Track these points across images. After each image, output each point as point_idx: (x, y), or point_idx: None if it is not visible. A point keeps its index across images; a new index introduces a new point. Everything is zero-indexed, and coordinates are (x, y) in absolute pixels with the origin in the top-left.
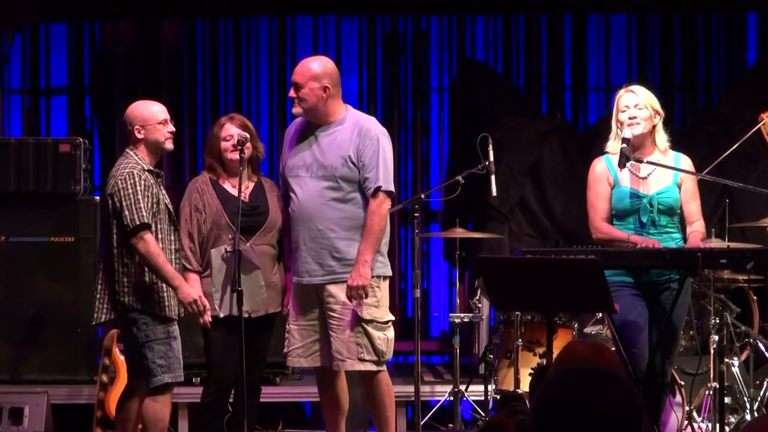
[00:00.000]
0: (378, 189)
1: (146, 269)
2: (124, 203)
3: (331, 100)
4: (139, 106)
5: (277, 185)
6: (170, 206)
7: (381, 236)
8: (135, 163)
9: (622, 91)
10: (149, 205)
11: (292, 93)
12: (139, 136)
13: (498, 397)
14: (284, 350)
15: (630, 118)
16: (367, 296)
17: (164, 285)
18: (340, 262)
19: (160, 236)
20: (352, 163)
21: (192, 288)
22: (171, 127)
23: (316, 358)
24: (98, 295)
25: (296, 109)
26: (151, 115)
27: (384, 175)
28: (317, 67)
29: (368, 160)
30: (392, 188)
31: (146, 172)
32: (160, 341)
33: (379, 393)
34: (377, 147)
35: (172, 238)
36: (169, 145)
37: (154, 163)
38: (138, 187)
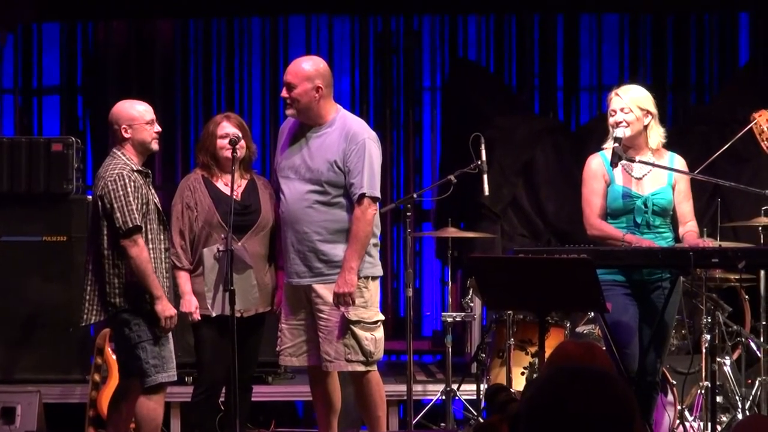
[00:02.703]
0: (362, 195)
1: None
2: (115, 205)
3: (323, 101)
4: (125, 106)
5: (270, 183)
6: (159, 205)
7: (366, 242)
8: (124, 164)
9: (611, 94)
10: (139, 206)
11: (284, 93)
12: (126, 136)
13: (486, 388)
14: (277, 349)
15: (617, 123)
16: (354, 303)
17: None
18: (327, 264)
19: (150, 236)
20: (338, 168)
21: (170, 305)
22: (157, 127)
23: (307, 357)
24: (87, 296)
25: (290, 111)
26: (138, 114)
27: (369, 181)
28: (310, 67)
29: (354, 166)
30: (377, 194)
31: (135, 173)
32: (153, 341)
33: (369, 392)
34: (363, 152)
35: (162, 237)
36: (155, 145)
37: (141, 162)
38: (128, 189)
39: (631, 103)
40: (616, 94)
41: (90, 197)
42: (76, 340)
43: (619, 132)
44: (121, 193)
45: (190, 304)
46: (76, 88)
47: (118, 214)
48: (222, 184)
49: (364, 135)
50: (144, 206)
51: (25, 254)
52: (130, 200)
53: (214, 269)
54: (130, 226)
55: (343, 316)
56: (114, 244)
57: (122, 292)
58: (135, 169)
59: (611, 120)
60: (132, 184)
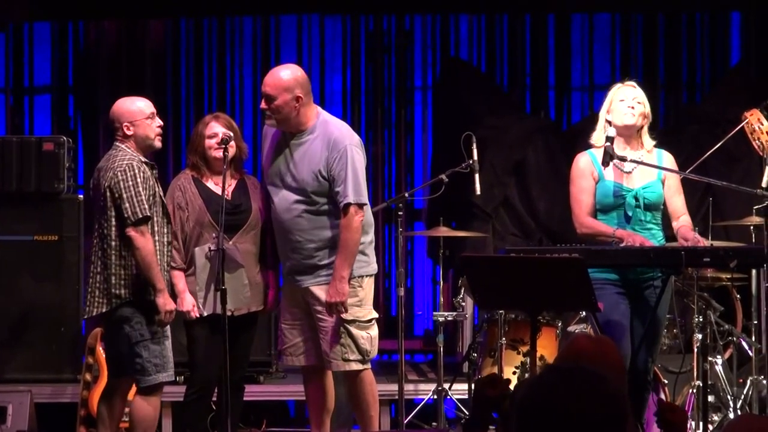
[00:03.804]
0: (348, 204)
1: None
2: (124, 195)
3: (304, 109)
4: (126, 103)
5: (260, 183)
6: (165, 199)
7: (355, 250)
8: (132, 156)
9: (619, 84)
10: (147, 197)
11: (263, 105)
12: (129, 133)
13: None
14: (279, 348)
15: (628, 107)
16: (346, 310)
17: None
18: (322, 267)
19: (155, 228)
20: (323, 177)
21: (171, 299)
22: (159, 121)
23: (305, 357)
24: (90, 288)
25: (270, 122)
26: (139, 110)
27: (354, 189)
28: (288, 76)
29: (337, 174)
30: (364, 200)
31: (143, 164)
32: (155, 340)
33: (362, 391)
34: (346, 160)
35: (165, 231)
36: (158, 143)
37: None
38: (138, 179)
39: (643, 99)
40: (631, 85)
41: (81, 196)
42: (68, 339)
43: (611, 131)
44: (130, 183)
45: (187, 302)
46: (68, 87)
47: (127, 204)
48: (212, 183)
49: (345, 142)
50: (151, 198)
51: (17, 254)
52: (140, 190)
53: (206, 269)
54: (140, 216)
55: (339, 316)
56: (122, 235)
57: (128, 284)
58: (143, 160)
59: (620, 105)
60: (141, 174)
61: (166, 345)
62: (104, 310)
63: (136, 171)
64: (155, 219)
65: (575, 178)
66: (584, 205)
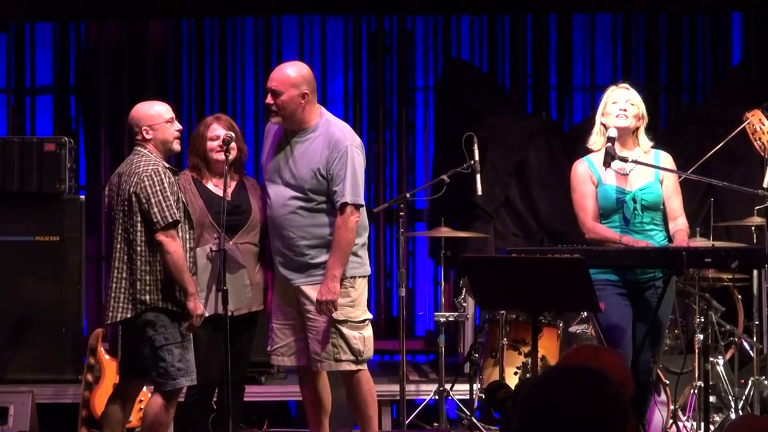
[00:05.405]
0: (345, 204)
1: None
2: (152, 200)
3: (309, 107)
4: (144, 107)
5: (259, 184)
6: (187, 205)
7: (349, 250)
8: (156, 161)
9: (613, 87)
10: (174, 201)
11: (269, 100)
12: (148, 137)
13: (488, 384)
14: (268, 348)
15: (620, 110)
16: (336, 310)
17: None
18: (314, 266)
19: (179, 234)
20: (322, 175)
21: (200, 304)
22: (178, 125)
23: (297, 358)
24: (113, 294)
25: (276, 119)
26: (157, 114)
27: (351, 189)
28: (295, 73)
29: (336, 174)
30: (361, 201)
31: (167, 170)
32: (178, 344)
33: (359, 392)
34: (346, 160)
35: (188, 237)
36: (177, 146)
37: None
38: (165, 184)
39: (636, 100)
40: (624, 87)
41: (83, 197)
42: (69, 339)
43: (612, 132)
44: (158, 188)
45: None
46: (69, 87)
47: (156, 209)
48: (212, 185)
49: (346, 142)
50: (176, 203)
51: (18, 254)
52: (168, 195)
53: (207, 269)
54: (170, 220)
55: (330, 316)
56: (148, 240)
57: (153, 290)
58: (166, 166)
59: (612, 108)
60: (167, 179)
61: (189, 349)
62: (129, 316)
63: (162, 176)
64: (180, 225)
65: (576, 184)
66: (589, 211)
